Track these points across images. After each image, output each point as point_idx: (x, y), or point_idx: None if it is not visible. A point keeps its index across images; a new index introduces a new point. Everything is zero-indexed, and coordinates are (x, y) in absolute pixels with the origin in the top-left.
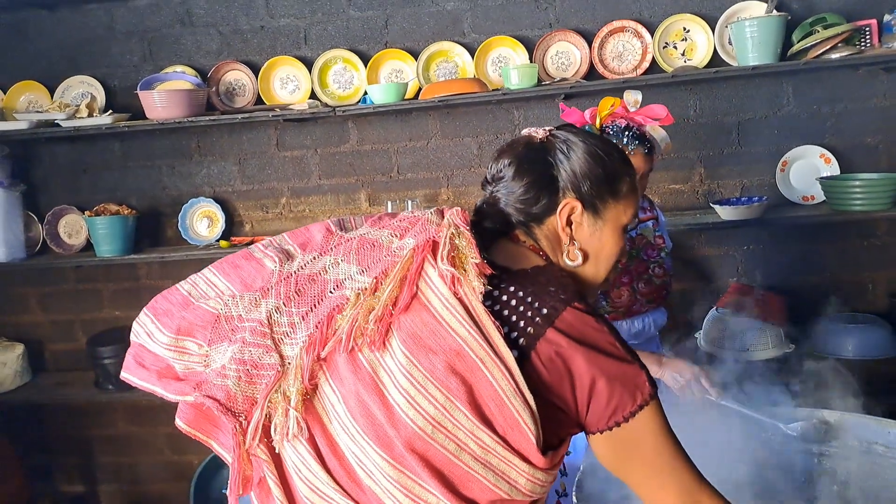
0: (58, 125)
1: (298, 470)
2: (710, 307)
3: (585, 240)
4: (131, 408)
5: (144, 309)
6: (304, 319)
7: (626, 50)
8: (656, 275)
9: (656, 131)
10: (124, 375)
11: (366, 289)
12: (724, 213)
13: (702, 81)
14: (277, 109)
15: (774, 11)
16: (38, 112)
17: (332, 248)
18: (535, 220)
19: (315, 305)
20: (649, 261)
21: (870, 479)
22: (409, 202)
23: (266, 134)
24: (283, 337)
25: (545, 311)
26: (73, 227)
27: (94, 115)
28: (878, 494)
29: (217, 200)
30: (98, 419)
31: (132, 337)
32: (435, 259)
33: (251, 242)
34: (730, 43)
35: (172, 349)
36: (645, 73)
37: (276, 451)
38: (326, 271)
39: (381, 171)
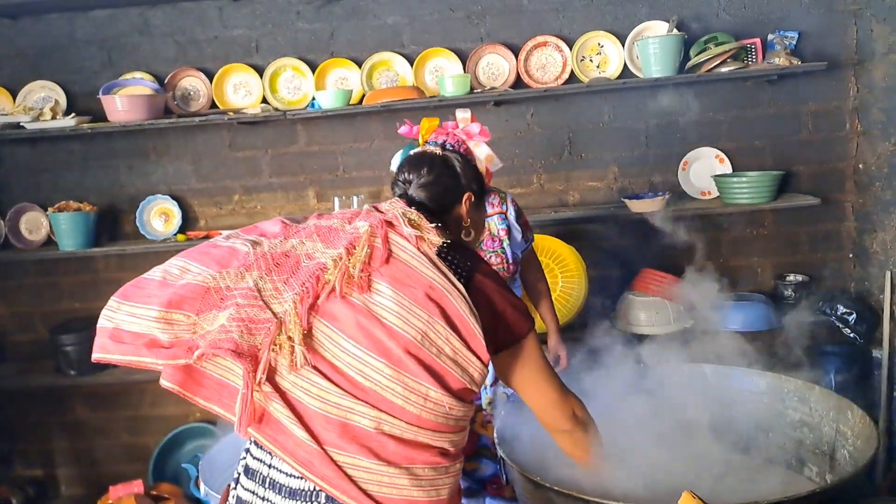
0: (22, 127)
1: (308, 391)
2: (623, 290)
3: (474, 221)
4: (91, 394)
5: (114, 297)
6: (286, 284)
7: (548, 62)
8: (492, 263)
9: (479, 147)
10: (100, 356)
11: (341, 255)
12: (634, 206)
13: (614, 91)
14: (231, 113)
15: (675, 31)
16: (2, 115)
17: (293, 234)
18: (447, 209)
19: (293, 273)
20: (487, 250)
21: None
22: (355, 198)
23: (220, 136)
24: (270, 299)
25: (470, 264)
26: (33, 224)
27: (58, 118)
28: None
29: (173, 197)
30: (57, 406)
31: (104, 323)
32: (394, 230)
33: (207, 237)
34: (637, 57)
35: (161, 321)
36: (565, 82)
37: (280, 387)
38: (295, 249)
39: (327, 170)
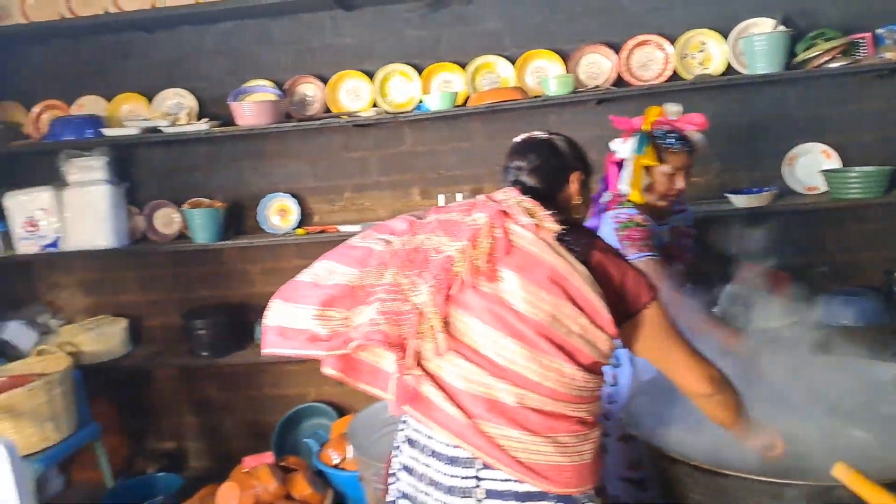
0: (160, 131)
1: (453, 372)
2: (726, 284)
3: (584, 198)
4: (218, 375)
5: (275, 299)
6: (420, 277)
7: (649, 60)
8: (686, 260)
9: (693, 135)
10: (269, 351)
11: (465, 247)
12: (738, 201)
13: (717, 88)
14: (346, 117)
15: (781, 27)
16: (142, 120)
17: (419, 230)
18: (558, 190)
19: (425, 267)
20: (683, 248)
21: None
22: (458, 195)
23: (334, 138)
24: (408, 292)
25: (586, 242)
26: (167, 219)
27: (192, 122)
28: None
29: (292, 195)
30: (187, 385)
31: (268, 322)
32: (511, 220)
33: (322, 231)
34: (742, 54)
35: (319, 318)
36: (667, 80)
37: (428, 370)
38: (423, 244)
39: (431, 169)
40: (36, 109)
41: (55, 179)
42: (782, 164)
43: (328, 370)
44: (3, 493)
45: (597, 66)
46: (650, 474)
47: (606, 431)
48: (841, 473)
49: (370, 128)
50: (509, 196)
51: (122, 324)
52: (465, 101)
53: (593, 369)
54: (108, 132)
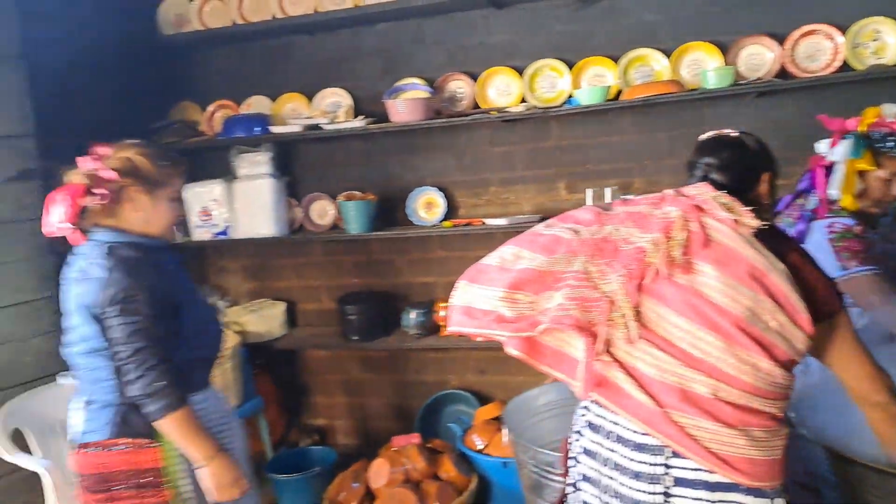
0: (320, 128)
1: (645, 360)
2: None
3: (773, 199)
4: (366, 358)
5: (462, 280)
6: (609, 266)
7: (817, 51)
8: (890, 267)
9: None
10: (455, 329)
11: (659, 239)
12: None
13: (893, 78)
14: (495, 112)
15: None
16: (304, 118)
17: (607, 221)
18: (748, 189)
19: (614, 256)
20: (889, 255)
21: None
22: (607, 189)
23: (481, 133)
24: (598, 280)
25: (781, 242)
26: (321, 211)
27: (349, 119)
28: None
29: (438, 189)
30: (338, 366)
31: (457, 301)
32: (707, 214)
33: (467, 224)
34: None
35: (506, 300)
36: (836, 71)
37: (617, 357)
38: (612, 235)
39: (578, 164)
40: (210, 109)
41: (226, 173)
42: None
43: (511, 350)
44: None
45: (758, 57)
46: (822, 480)
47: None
48: None
49: (517, 123)
50: (703, 191)
51: (280, 307)
52: (617, 96)
53: (788, 366)
54: (273, 129)
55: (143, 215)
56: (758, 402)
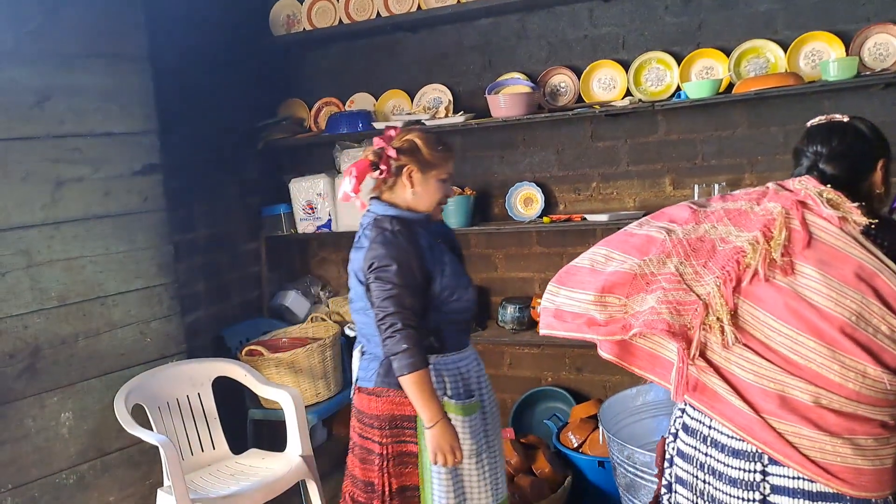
0: (422, 123)
1: (742, 366)
2: None
3: (887, 187)
4: None
5: (552, 283)
6: (705, 267)
7: None
8: None
9: None
10: (547, 332)
11: (758, 238)
12: None
13: None
14: (598, 107)
15: None
16: (406, 114)
17: (703, 219)
18: (862, 179)
19: (710, 257)
20: None
21: None
22: (716, 185)
23: (582, 127)
24: (692, 282)
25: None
26: None
27: (449, 115)
28: None
29: (537, 184)
30: None
31: (547, 304)
32: (811, 211)
33: (568, 219)
34: None
35: (597, 304)
36: None
37: (713, 361)
38: (708, 233)
39: (685, 159)
40: (316, 106)
41: (330, 168)
42: None
43: (604, 354)
44: (290, 435)
45: (885, 46)
46: None
47: None
48: None
49: (620, 117)
50: (807, 185)
51: None
52: (729, 89)
53: None
54: (376, 125)
55: (414, 192)
56: (865, 410)
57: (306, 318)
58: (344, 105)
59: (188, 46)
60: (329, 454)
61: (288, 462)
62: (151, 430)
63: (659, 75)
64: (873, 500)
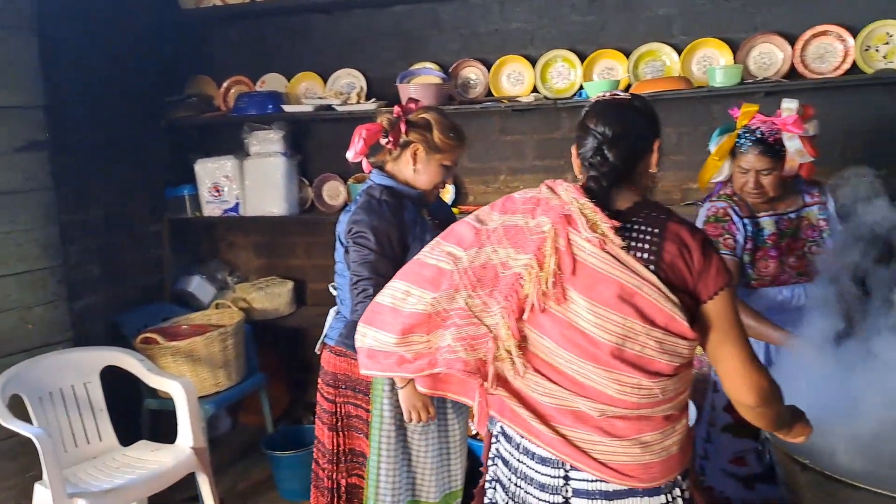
0: (333, 109)
1: (538, 391)
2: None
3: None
4: None
5: (361, 323)
6: (491, 296)
7: (827, 52)
8: (811, 252)
9: (792, 140)
10: (365, 372)
11: (532, 265)
12: None
13: None
14: (506, 101)
15: None
16: (318, 98)
17: (484, 241)
18: (639, 160)
19: (494, 285)
20: (807, 239)
21: None
22: None
23: (491, 121)
24: (481, 314)
25: (657, 230)
26: (333, 191)
27: (361, 101)
28: None
29: None
30: None
31: (360, 344)
32: (575, 229)
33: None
34: None
35: (401, 345)
36: (844, 74)
37: (514, 388)
38: (491, 259)
39: None
40: (225, 84)
41: (239, 149)
42: None
43: (420, 388)
44: (181, 427)
45: (769, 56)
46: (760, 471)
47: (713, 421)
48: None
49: (527, 112)
50: (571, 195)
51: (288, 285)
52: (627, 89)
53: (677, 372)
54: (286, 108)
55: (416, 169)
56: (649, 412)
57: (211, 304)
58: (255, 84)
59: (85, 17)
60: (233, 444)
61: (177, 454)
62: (31, 421)
63: (564, 73)
64: (661, 486)
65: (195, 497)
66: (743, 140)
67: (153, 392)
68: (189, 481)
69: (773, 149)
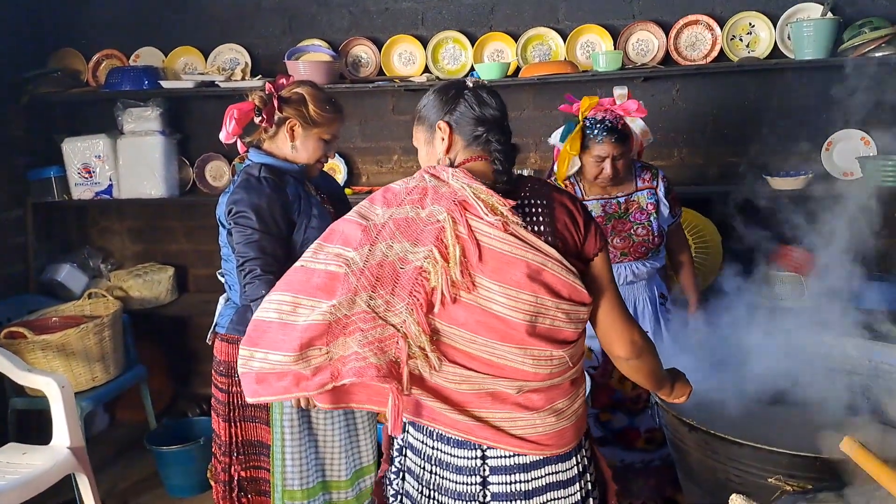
0: (216, 85)
1: (456, 381)
2: (759, 265)
3: None
4: None
5: (243, 346)
6: (393, 294)
7: (698, 40)
8: (637, 234)
9: (635, 122)
10: (254, 400)
11: (434, 256)
12: (775, 183)
13: (763, 71)
14: (398, 81)
15: (829, 14)
16: (200, 74)
17: (375, 238)
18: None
19: (395, 282)
20: (634, 222)
21: None
22: None
23: (385, 100)
24: (386, 314)
25: (545, 201)
26: (217, 172)
27: (246, 78)
28: None
29: (340, 155)
30: None
31: (245, 370)
32: (474, 214)
33: (370, 191)
34: (788, 38)
35: (299, 361)
36: (713, 61)
37: (428, 384)
38: (387, 256)
39: None
40: (95, 58)
41: (111, 128)
42: (821, 149)
43: (320, 405)
44: (56, 426)
45: (646, 43)
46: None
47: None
48: (848, 448)
49: (420, 92)
50: (462, 181)
51: (168, 272)
52: (517, 72)
53: (579, 338)
54: (164, 84)
55: (294, 146)
56: (559, 380)
57: (83, 294)
58: (128, 59)
59: None
60: (111, 441)
61: (53, 456)
62: None
63: (454, 54)
64: (571, 449)
65: (73, 500)
66: (595, 131)
67: (20, 390)
68: (66, 483)
69: (623, 134)
